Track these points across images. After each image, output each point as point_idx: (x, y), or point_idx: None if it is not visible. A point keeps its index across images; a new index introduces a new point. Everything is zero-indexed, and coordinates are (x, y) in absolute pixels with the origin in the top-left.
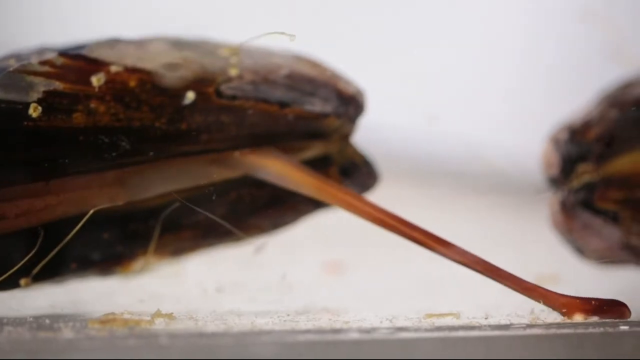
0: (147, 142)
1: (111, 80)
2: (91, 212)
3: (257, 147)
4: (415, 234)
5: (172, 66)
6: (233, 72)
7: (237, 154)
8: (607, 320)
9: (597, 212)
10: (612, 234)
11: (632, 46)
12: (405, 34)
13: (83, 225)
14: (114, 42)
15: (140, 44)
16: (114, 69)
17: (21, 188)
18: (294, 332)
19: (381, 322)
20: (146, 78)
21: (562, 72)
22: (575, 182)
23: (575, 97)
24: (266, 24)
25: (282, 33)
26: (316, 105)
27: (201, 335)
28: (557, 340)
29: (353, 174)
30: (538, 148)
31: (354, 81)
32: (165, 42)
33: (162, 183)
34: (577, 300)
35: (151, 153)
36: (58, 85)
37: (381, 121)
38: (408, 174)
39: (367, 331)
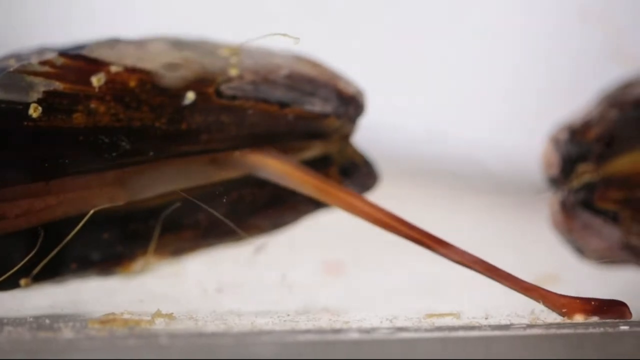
0: (147, 142)
1: (111, 81)
2: (91, 212)
3: (257, 147)
4: (415, 234)
5: (172, 66)
6: (233, 72)
7: (237, 154)
8: (607, 320)
9: (597, 212)
10: (612, 234)
11: (632, 46)
12: (404, 33)
13: (83, 226)
14: (114, 42)
15: (140, 44)
16: (114, 69)
17: (21, 188)
18: (294, 332)
19: (381, 322)
20: (146, 78)
21: (562, 72)
22: (575, 182)
23: (575, 97)
24: (266, 24)
25: (285, 35)
26: (316, 105)
27: (201, 335)
28: (557, 340)
29: (353, 174)
30: (538, 148)
31: (354, 81)
32: (165, 42)
33: (162, 183)
34: (577, 301)
35: (151, 153)
36: (58, 85)
37: (381, 121)
38: (408, 174)
39: (367, 331)
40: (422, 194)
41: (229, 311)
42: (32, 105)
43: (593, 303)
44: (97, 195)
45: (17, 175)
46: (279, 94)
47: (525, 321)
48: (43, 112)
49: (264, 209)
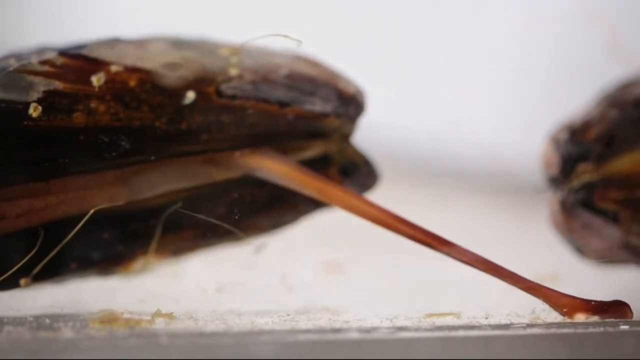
0: (147, 142)
1: (111, 80)
2: (91, 212)
3: (257, 146)
4: (415, 233)
5: (172, 66)
6: (233, 71)
7: (237, 153)
8: (608, 320)
9: (597, 212)
10: (612, 233)
11: (632, 46)
12: (404, 32)
13: (83, 225)
14: (114, 42)
15: (140, 43)
16: (114, 68)
17: (21, 188)
18: (294, 332)
19: (381, 321)
20: (146, 78)
21: (562, 71)
22: (575, 182)
23: (575, 97)
24: (266, 24)
25: (287, 36)
26: (316, 105)
27: (201, 335)
28: (557, 340)
29: (353, 174)
30: (538, 148)
31: (354, 81)
32: (165, 41)
33: (162, 183)
34: (579, 300)
35: (151, 153)
36: (58, 85)
37: (381, 121)
38: (408, 174)
39: (367, 331)
40: (422, 194)
41: (229, 311)
42: (32, 105)
43: (594, 303)
44: (97, 195)
45: (17, 175)
46: (279, 93)
47: (526, 321)
48: (43, 111)
49: (264, 208)
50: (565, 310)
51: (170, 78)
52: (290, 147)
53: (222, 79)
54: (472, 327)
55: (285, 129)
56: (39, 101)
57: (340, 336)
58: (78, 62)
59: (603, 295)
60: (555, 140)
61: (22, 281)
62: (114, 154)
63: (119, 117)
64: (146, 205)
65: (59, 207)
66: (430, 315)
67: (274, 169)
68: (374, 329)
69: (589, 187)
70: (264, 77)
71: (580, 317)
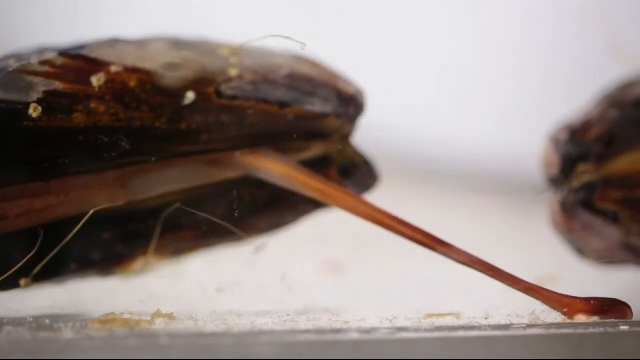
0: (147, 142)
1: (111, 80)
2: (91, 212)
3: (257, 147)
4: (415, 234)
5: (172, 66)
6: (233, 72)
7: (237, 154)
8: (608, 320)
9: (597, 212)
10: (612, 234)
11: (632, 46)
12: (404, 32)
13: (83, 226)
14: (114, 42)
15: (140, 44)
16: (114, 69)
17: (21, 188)
18: (294, 332)
19: (381, 322)
20: (146, 78)
21: (562, 71)
22: (575, 182)
23: (575, 97)
24: (266, 24)
25: (289, 38)
26: (316, 105)
27: (201, 335)
28: (557, 340)
29: (353, 174)
30: (538, 148)
31: (354, 81)
32: (165, 42)
33: (162, 183)
34: (579, 301)
35: (151, 153)
36: (58, 85)
37: (381, 121)
38: (408, 174)
39: (367, 331)
40: (422, 194)
41: (229, 311)
42: (32, 105)
43: (594, 303)
44: (97, 195)
45: (17, 175)
46: (279, 94)
47: (525, 321)
48: (43, 112)
49: (264, 209)
50: (565, 310)
51: (170, 78)
52: (290, 147)
53: (222, 80)
54: (472, 328)
55: (286, 129)
56: (39, 101)
57: (340, 337)
58: (78, 62)
59: (603, 295)
60: (555, 141)
61: (22, 281)
62: (114, 154)
63: (119, 118)
64: (146, 206)
65: (59, 207)
66: (430, 315)
67: (274, 169)
68: (373, 330)
69: (589, 188)
70: (264, 78)
71: (580, 318)
